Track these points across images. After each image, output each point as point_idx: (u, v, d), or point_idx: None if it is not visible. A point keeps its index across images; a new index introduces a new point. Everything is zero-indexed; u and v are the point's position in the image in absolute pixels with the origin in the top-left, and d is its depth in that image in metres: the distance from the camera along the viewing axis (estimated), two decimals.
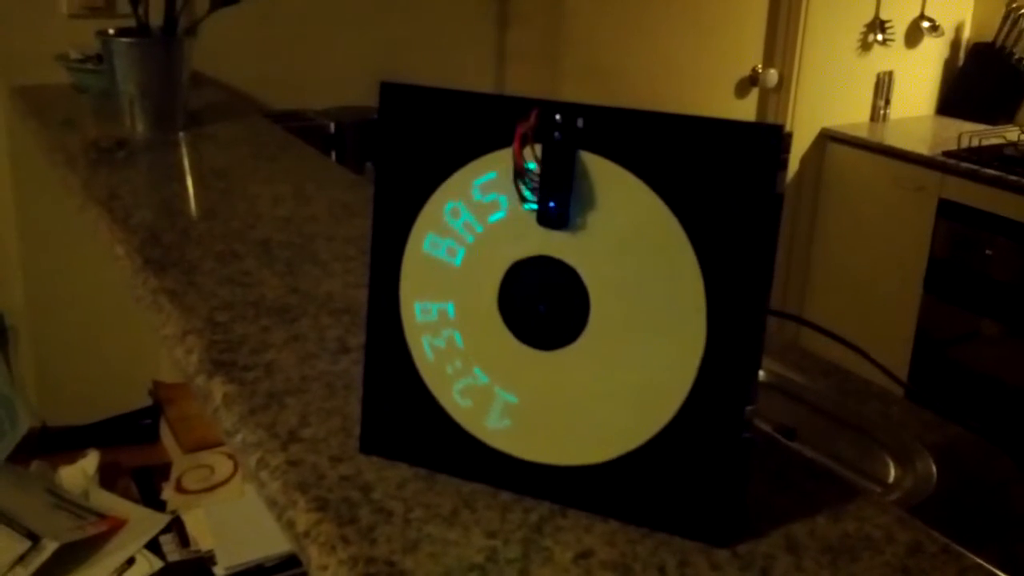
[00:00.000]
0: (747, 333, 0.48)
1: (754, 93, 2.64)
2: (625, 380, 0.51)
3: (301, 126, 1.62)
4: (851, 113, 2.83)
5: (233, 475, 1.11)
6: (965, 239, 2.45)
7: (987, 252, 2.41)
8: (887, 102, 2.88)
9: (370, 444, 0.57)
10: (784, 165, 0.47)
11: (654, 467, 0.51)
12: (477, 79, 2.07)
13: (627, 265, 0.49)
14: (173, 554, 1.09)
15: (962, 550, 0.52)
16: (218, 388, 0.65)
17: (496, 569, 0.48)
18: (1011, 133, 2.56)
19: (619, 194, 0.49)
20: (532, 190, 0.49)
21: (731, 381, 0.49)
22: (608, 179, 0.49)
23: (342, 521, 0.51)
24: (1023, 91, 2.82)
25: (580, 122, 0.49)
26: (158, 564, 1.06)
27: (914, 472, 1.03)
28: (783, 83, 2.63)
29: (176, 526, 1.11)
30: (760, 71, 2.61)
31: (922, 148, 2.55)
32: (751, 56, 2.61)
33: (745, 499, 0.52)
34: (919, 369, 2.60)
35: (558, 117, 0.49)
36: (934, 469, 1.02)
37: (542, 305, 0.51)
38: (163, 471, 1.17)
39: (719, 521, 0.50)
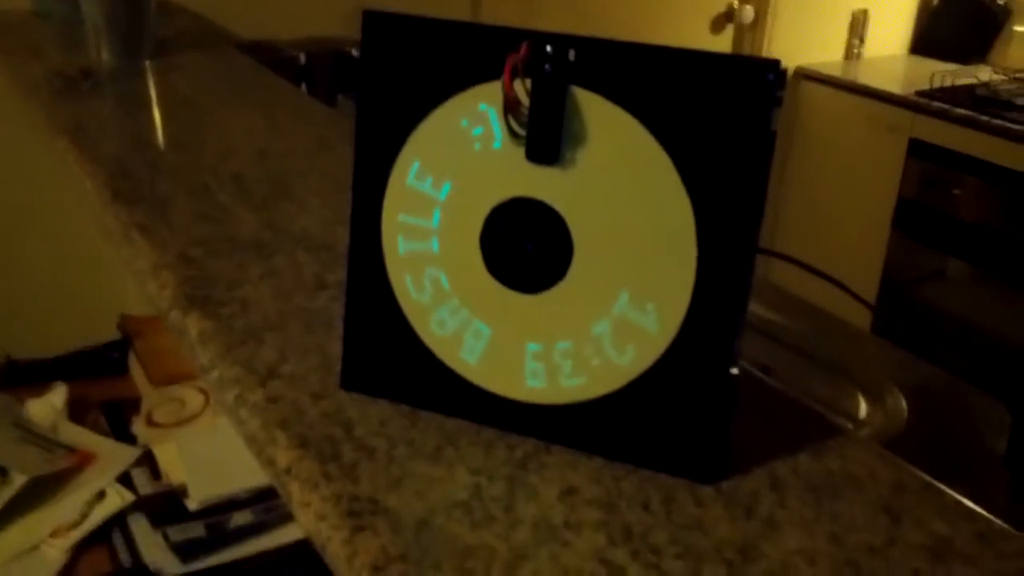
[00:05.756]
0: (737, 270, 0.48)
1: (729, 29, 2.61)
2: (610, 321, 0.50)
3: (270, 57, 1.58)
4: (825, 51, 2.81)
5: (204, 409, 1.10)
6: (935, 179, 2.47)
7: (956, 192, 2.43)
8: (861, 40, 2.86)
9: (351, 380, 0.56)
10: (779, 102, 0.46)
11: (641, 405, 0.50)
12: (451, 11, 2.02)
13: (616, 203, 0.49)
14: (144, 487, 1.08)
15: (944, 488, 0.52)
16: (193, 323, 0.63)
17: (481, 506, 0.48)
18: (983, 73, 2.56)
19: (609, 130, 0.48)
20: (522, 124, 0.48)
21: (721, 319, 0.48)
22: (598, 115, 0.48)
23: (324, 458, 0.50)
24: (995, 30, 2.81)
25: (572, 54, 0.47)
26: (130, 498, 1.06)
27: (884, 409, 1.04)
28: (758, 20, 2.61)
29: (147, 460, 1.10)
30: (736, 7, 2.58)
31: (895, 87, 2.55)
32: None
33: (729, 436, 0.52)
34: (884, 308, 2.63)
35: (549, 49, 0.47)
36: (905, 406, 1.04)
37: (529, 244, 0.51)
38: (133, 404, 1.15)
39: (705, 458, 0.50)
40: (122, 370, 1.28)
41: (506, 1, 2.12)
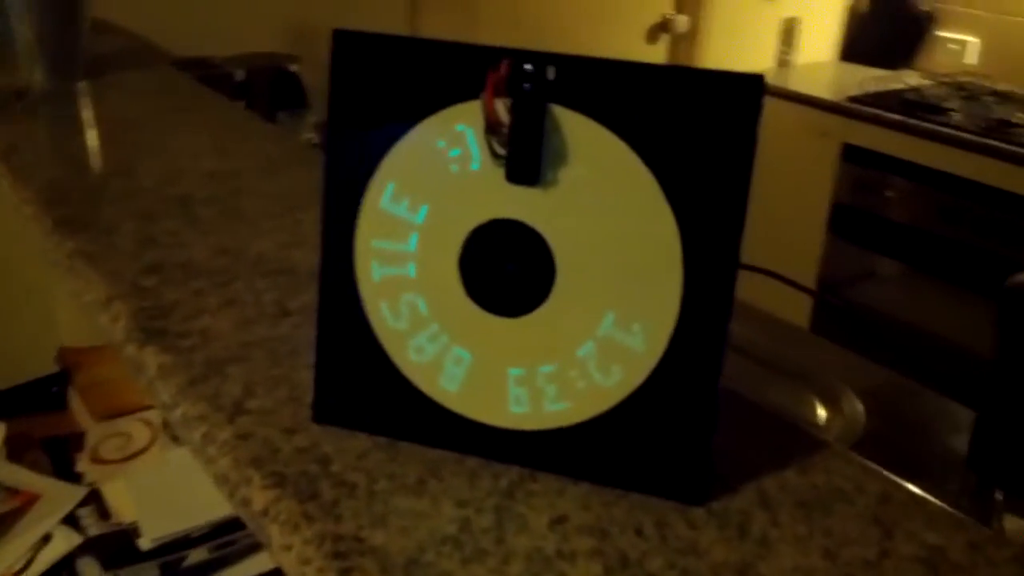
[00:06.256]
0: (722, 286, 0.47)
1: (664, 40, 2.64)
2: (595, 342, 0.49)
3: (207, 75, 1.54)
4: (758, 59, 2.85)
5: (152, 442, 1.06)
6: (867, 182, 2.52)
7: (888, 194, 2.48)
8: (792, 48, 2.91)
9: (325, 413, 0.54)
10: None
11: (628, 427, 0.49)
12: (387, 22, 2.01)
13: (599, 222, 0.47)
14: (93, 528, 1.03)
15: (928, 496, 0.52)
16: (151, 357, 0.60)
17: (471, 539, 0.46)
18: (911, 78, 2.63)
19: (591, 149, 0.47)
20: (503, 144, 0.47)
21: (708, 335, 0.47)
22: (579, 133, 0.47)
23: (303, 497, 0.48)
24: (921, 36, 2.89)
25: (551, 72, 0.46)
26: (77, 539, 1.01)
27: (842, 414, 1.05)
28: (693, 30, 2.64)
29: (94, 498, 1.06)
30: (670, 17, 2.60)
31: (826, 94, 2.60)
32: (662, 3, 2.60)
33: (712, 455, 0.51)
34: (821, 309, 2.67)
35: (528, 67, 0.46)
36: (861, 410, 1.04)
37: (510, 266, 0.49)
38: (76, 441, 1.11)
39: (694, 480, 0.49)
40: (62, 405, 1.23)
41: (444, 12, 2.11)
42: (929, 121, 2.32)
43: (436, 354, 0.51)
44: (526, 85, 0.46)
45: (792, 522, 0.49)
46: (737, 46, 2.76)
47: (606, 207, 0.47)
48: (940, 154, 2.29)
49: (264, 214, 0.85)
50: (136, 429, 1.07)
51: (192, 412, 0.55)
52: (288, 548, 0.46)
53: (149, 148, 1.01)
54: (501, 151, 0.47)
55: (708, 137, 0.46)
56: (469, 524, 0.47)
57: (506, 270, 0.49)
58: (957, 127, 2.27)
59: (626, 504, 0.49)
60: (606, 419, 0.50)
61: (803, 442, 0.57)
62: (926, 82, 2.60)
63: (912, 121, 2.35)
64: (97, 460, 1.04)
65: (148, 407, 1.10)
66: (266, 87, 1.66)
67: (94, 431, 1.07)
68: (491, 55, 0.47)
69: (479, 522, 0.47)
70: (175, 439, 1.05)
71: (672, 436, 0.49)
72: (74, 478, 1.06)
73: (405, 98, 0.49)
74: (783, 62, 2.91)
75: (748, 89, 0.45)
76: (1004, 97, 2.50)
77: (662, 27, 2.61)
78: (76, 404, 1.17)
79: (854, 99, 2.50)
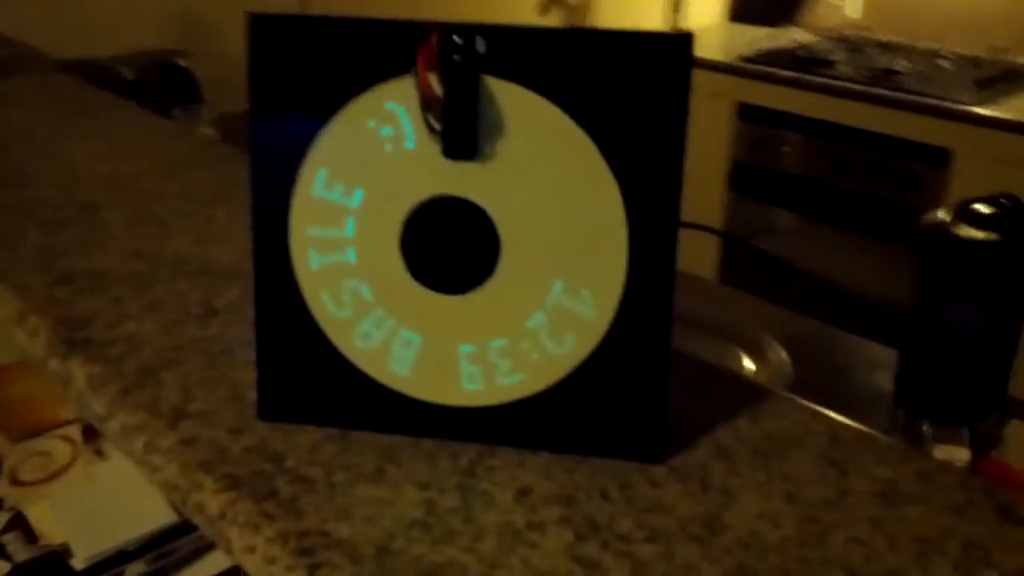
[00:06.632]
0: (666, 246, 0.47)
1: (557, 12, 2.64)
2: (545, 312, 0.49)
3: (94, 76, 1.48)
4: (648, 26, 2.89)
5: (75, 459, 1.02)
6: (763, 139, 2.58)
7: (784, 149, 2.54)
8: (680, 12, 2.95)
9: (270, 410, 0.52)
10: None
11: (584, 393, 0.49)
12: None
13: (541, 192, 0.47)
14: (20, 554, 0.99)
15: (875, 432, 0.54)
16: (79, 370, 0.58)
17: (438, 522, 0.45)
18: (798, 34, 2.70)
19: (528, 118, 0.46)
20: (438, 120, 0.46)
21: (656, 296, 0.48)
22: (515, 104, 0.46)
23: (259, 496, 0.47)
24: None
25: (481, 43, 0.45)
26: (5, 567, 0.97)
27: (768, 363, 1.07)
28: (584, 1, 2.65)
29: (19, 523, 1.01)
30: None
31: (718, 55, 2.65)
32: None
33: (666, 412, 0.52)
34: (728, 263, 2.73)
35: (457, 39, 0.45)
36: (786, 358, 1.07)
37: (453, 243, 0.48)
38: None
39: (652, 438, 0.50)
40: None
41: None
42: (819, 75, 2.39)
43: (384, 339, 0.50)
44: (456, 57, 0.46)
45: (751, 470, 0.50)
46: (627, 13, 2.79)
47: (547, 176, 0.47)
48: (831, 106, 2.36)
49: (174, 213, 0.82)
50: (56, 447, 1.03)
51: (131, 421, 0.53)
52: (251, 550, 0.45)
53: (43, 156, 0.96)
54: (439, 127, 0.46)
55: (642, 97, 0.46)
56: (434, 506, 0.46)
57: (449, 247, 0.49)
58: (846, 79, 2.34)
59: (587, 469, 0.50)
60: (561, 387, 0.49)
61: (749, 392, 0.58)
62: (812, 37, 2.67)
63: (803, 76, 2.41)
64: (17, 482, 0.99)
65: (66, 423, 1.05)
66: (157, 84, 1.60)
67: (10, 453, 1.03)
68: (416, 30, 0.46)
69: (444, 503, 0.47)
70: (99, 453, 1.01)
71: (627, 397, 0.49)
72: None
73: (329, 80, 0.48)
74: (673, 27, 2.94)
75: (678, 47, 0.45)
76: (886, 47, 2.58)
77: (553, 0, 2.62)
78: None
79: (746, 59, 2.55)
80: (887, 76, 2.32)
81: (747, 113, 2.57)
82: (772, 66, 2.47)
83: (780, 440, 0.52)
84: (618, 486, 0.48)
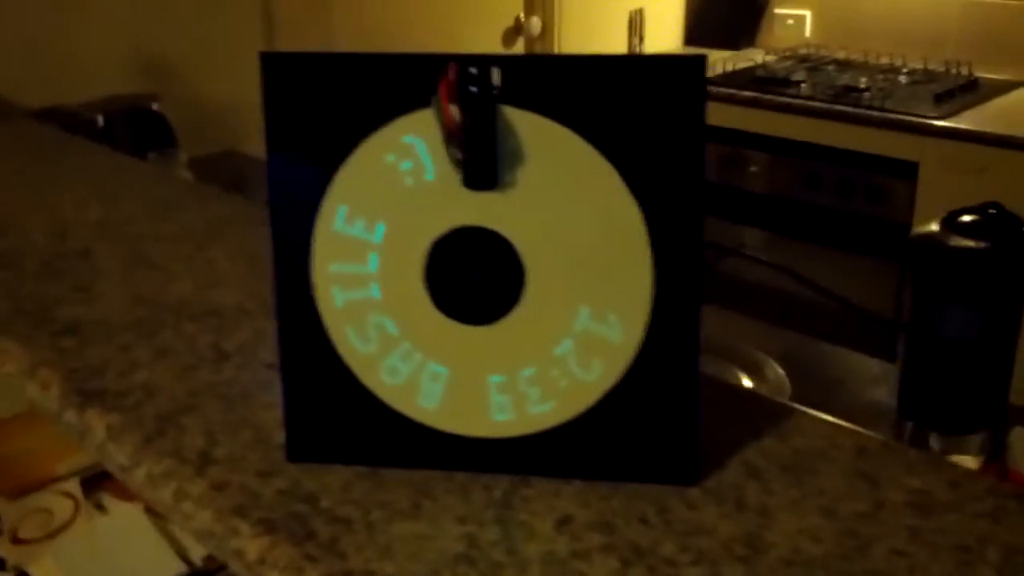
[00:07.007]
0: (691, 266, 0.48)
1: (520, 42, 2.67)
2: (573, 339, 0.49)
3: (66, 123, 1.46)
4: (609, 50, 2.92)
5: (76, 514, 1.00)
6: (730, 159, 2.61)
7: (751, 169, 2.57)
8: (641, 39, 2.99)
9: (299, 450, 0.52)
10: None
11: (615, 419, 0.49)
12: (247, 52, 1.95)
13: (563, 218, 0.47)
14: None
15: (900, 444, 0.54)
16: (97, 420, 0.57)
17: (482, 555, 0.45)
18: (756, 55, 2.74)
19: (547, 146, 0.47)
20: (460, 151, 0.46)
21: (683, 316, 0.48)
22: (533, 132, 0.47)
23: (298, 539, 0.46)
24: (759, 14, 3.01)
25: (497, 74, 0.46)
26: None
27: (767, 381, 1.08)
28: (546, 30, 2.67)
29: None
30: (523, 20, 2.63)
31: None
32: (513, 6, 2.62)
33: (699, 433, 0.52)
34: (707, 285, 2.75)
35: (473, 70, 0.46)
36: (783, 375, 1.08)
37: (477, 273, 0.48)
38: None
39: (686, 460, 0.50)
40: None
41: (301, 36, 2.07)
42: (781, 95, 2.42)
43: (411, 373, 0.50)
44: (473, 88, 0.46)
45: (783, 487, 0.50)
46: (589, 42, 2.82)
47: (568, 201, 0.47)
48: (796, 125, 2.40)
49: (171, 257, 0.81)
50: (55, 503, 1.01)
51: (157, 470, 0.52)
52: None
53: (28, 205, 0.95)
54: (462, 158, 0.46)
55: (659, 120, 0.46)
56: (476, 539, 0.46)
57: (473, 278, 0.49)
58: (807, 97, 2.38)
59: (623, 495, 0.49)
60: (593, 414, 0.49)
61: (769, 409, 0.58)
62: (771, 58, 2.71)
63: (765, 96, 2.45)
64: (18, 541, 0.97)
65: (63, 477, 1.03)
66: (129, 129, 1.59)
67: (9, 511, 1.00)
68: (431, 63, 0.46)
69: (485, 535, 0.46)
70: (99, 507, 0.99)
71: (659, 420, 0.49)
72: None
73: (346, 116, 0.48)
74: (634, 52, 2.98)
75: (692, 69, 0.46)
76: (843, 65, 2.63)
77: (516, 30, 2.64)
78: None
79: (708, 81, 2.58)
80: (848, 93, 2.36)
81: (712, 134, 2.60)
82: (733, 87, 2.50)
83: (808, 456, 0.53)
84: (656, 510, 0.48)
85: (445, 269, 0.49)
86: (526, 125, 0.47)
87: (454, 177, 0.47)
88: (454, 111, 0.45)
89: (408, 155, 0.48)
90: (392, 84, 0.47)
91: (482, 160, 0.47)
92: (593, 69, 0.46)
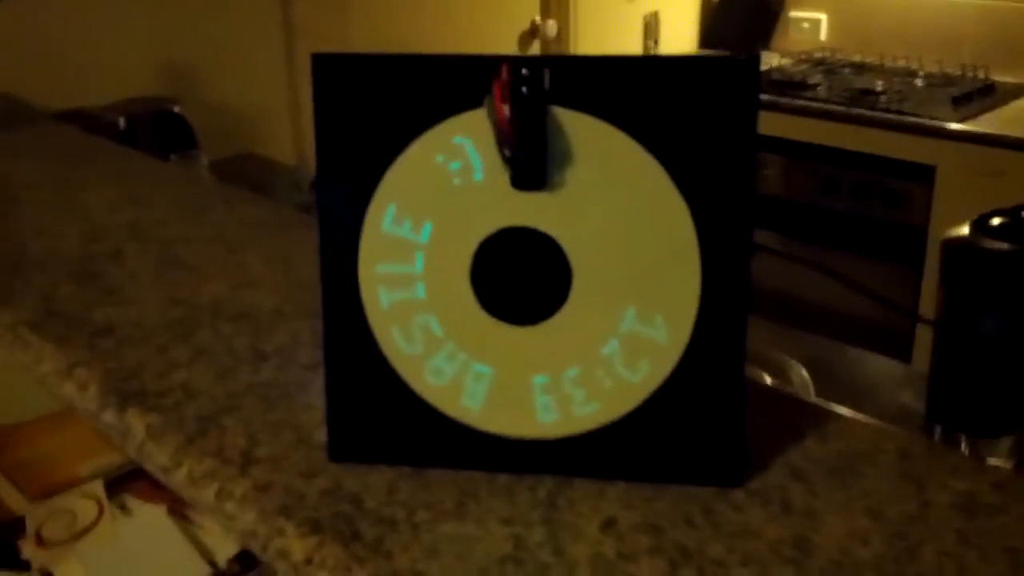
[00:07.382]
0: (740, 268, 0.48)
1: (536, 45, 2.67)
2: (619, 339, 0.49)
3: (88, 126, 1.47)
4: (625, 51, 2.92)
5: (100, 516, 1.00)
6: None
7: (767, 172, 2.57)
8: (656, 42, 2.99)
9: (341, 450, 0.52)
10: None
11: (660, 420, 0.49)
12: (266, 55, 1.96)
13: (611, 218, 0.47)
14: None
15: (942, 446, 0.54)
16: (137, 420, 0.57)
17: (529, 556, 0.45)
18: (772, 58, 2.74)
19: (597, 147, 0.47)
20: (511, 151, 0.46)
21: (730, 319, 0.48)
22: (583, 133, 0.47)
23: (344, 539, 0.46)
24: (774, 18, 3.01)
25: (548, 74, 0.46)
26: None
27: (792, 385, 1.08)
28: (562, 33, 2.68)
29: None
30: (540, 23, 2.64)
31: None
32: (530, 9, 2.63)
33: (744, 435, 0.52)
34: None
35: (524, 71, 0.46)
36: (808, 378, 1.08)
37: (524, 274, 0.48)
38: (16, 526, 1.03)
39: (731, 463, 0.50)
40: None
41: (320, 43, 2.08)
42: (797, 98, 2.42)
43: (455, 374, 0.50)
44: (524, 89, 0.46)
45: (829, 490, 0.50)
46: (605, 45, 2.82)
47: (617, 202, 0.47)
48: (812, 128, 2.39)
49: (204, 259, 0.82)
50: (79, 505, 1.01)
51: (199, 470, 0.52)
52: None
53: (59, 207, 0.95)
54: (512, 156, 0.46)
55: (711, 121, 0.46)
56: (522, 540, 0.46)
57: (520, 278, 0.49)
58: (824, 101, 2.38)
59: (668, 497, 0.49)
60: (637, 415, 0.49)
61: (810, 412, 0.58)
62: (786, 61, 2.71)
63: (781, 100, 2.45)
64: (42, 544, 0.97)
65: (87, 479, 1.03)
66: (151, 131, 1.59)
67: (33, 513, 1.00)
68: (482, 64, 0.46)
69: (531, 537, 0.46)
70: (123, 509, 0.99)
71: (704, 422, 0.49)
72: (21, 567, 0.99)
73: (396, 117, 0.48)
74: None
75: (745, 71, 0.46)
76: (859, 68, 2.63)
77: (532, 33, 2.64)
78: (5, 488, 1.09)
79: None
80: (864, 96, 2.36)
81: None
82: None
83: (852, 458, 0.53)
84: (702, 512, 0.48)
85: (491, 269, 0.49)
86: (576, 126, 0.47)
87: (502, 177, 0.47)
88: (507, 111, 0.45)
89: (457, 155, 0.48)
90: (443, 85, 0.47)
91: (532, 160, 0.47)
92: (645, 70, 0.46)
